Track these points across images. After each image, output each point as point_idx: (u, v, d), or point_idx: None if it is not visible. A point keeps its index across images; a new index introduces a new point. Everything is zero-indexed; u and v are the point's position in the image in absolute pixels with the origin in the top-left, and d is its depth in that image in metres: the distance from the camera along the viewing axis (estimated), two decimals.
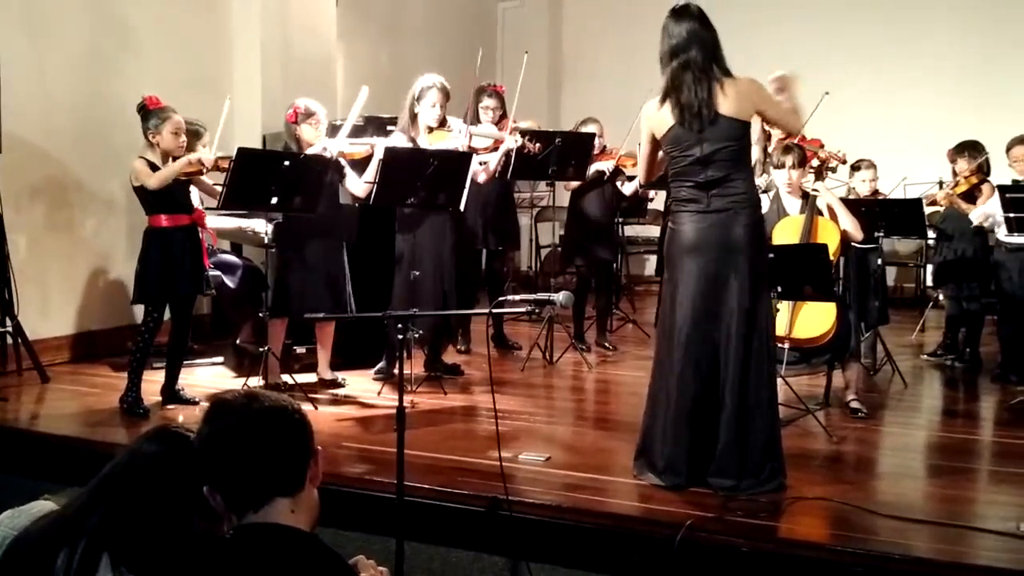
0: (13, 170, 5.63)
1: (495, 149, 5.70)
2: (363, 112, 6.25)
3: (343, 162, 5.33)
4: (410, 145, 5.40)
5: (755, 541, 3.25)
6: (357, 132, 5.96)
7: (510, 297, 3.46)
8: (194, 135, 5.40)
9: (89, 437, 4.44)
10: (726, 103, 3.63)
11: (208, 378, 5.67)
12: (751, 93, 3.69)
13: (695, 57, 3.64)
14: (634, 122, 4.06)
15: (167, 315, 4.99)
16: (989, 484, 4.10)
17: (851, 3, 9.36)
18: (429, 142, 5.46)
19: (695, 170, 3.69)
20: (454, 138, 5.50)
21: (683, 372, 3.71)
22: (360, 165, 5.40)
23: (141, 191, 4.76)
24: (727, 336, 3.66)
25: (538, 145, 5.85)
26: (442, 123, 5.53)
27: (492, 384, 4.48)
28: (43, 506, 2.04)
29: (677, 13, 3.72)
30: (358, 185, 5.36)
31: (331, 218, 5.33)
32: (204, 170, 4.84)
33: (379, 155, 5.25)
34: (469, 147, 5.49)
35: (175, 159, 4.82)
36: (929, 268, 7.62)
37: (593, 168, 6.37)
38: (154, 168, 4.74)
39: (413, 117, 5.50)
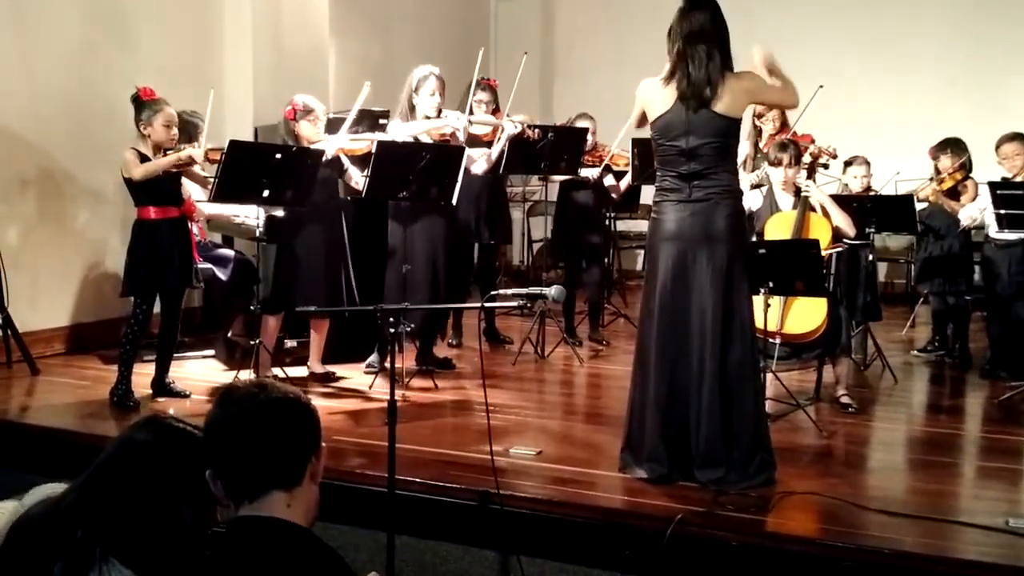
0: (3, 161, 5.62)
1: (494, 135, 5.69)
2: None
3: (344, 158, 5.32)
4: (408, 137, 5.40)
5: (744, 535, 3.26)
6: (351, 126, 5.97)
7: (502, 291, 3.46)
8: (194, 127, 5.38)
9: (79, 430, 4.44)
10: (722, 97, 3.64)
11: (199, 371, 5.66)
12: (749, 87, 3.71)
13: (710, 37, 3.65)
14: (626, 118, 4.06)
15: (157, 308, 4.98)
16: (977, 479, 4.12)
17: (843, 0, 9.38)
18: (427, 133, 5.46)
19: (679, 161, 3.72)
20: (450, 121, 5.48)
21: (657, 362, 3.74)
22: (362, 161, 5.39)
23: (130, 182, 4.75)
24: (704, 327, 3.68)
25: (537, 131, 5.88)
26: (439, 113, 5.53)
27: (484, 378, 4.48)
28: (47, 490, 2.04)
29: (695, 4, 3.72)
30: (362, 180, 5.36)
31: (332, 212, 5.34)
32: (195, 164, 4.81)
33: None
34: (468, 133, 5.48)
35: (166, 152, 4.80)
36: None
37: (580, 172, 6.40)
38: (144, 160, 4.71)
39: (411, 108, 5.50)
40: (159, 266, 4.80)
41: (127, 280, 4.89)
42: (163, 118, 4.75)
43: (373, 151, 5.21)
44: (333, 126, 5.47)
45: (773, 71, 3.85)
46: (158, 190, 4.78)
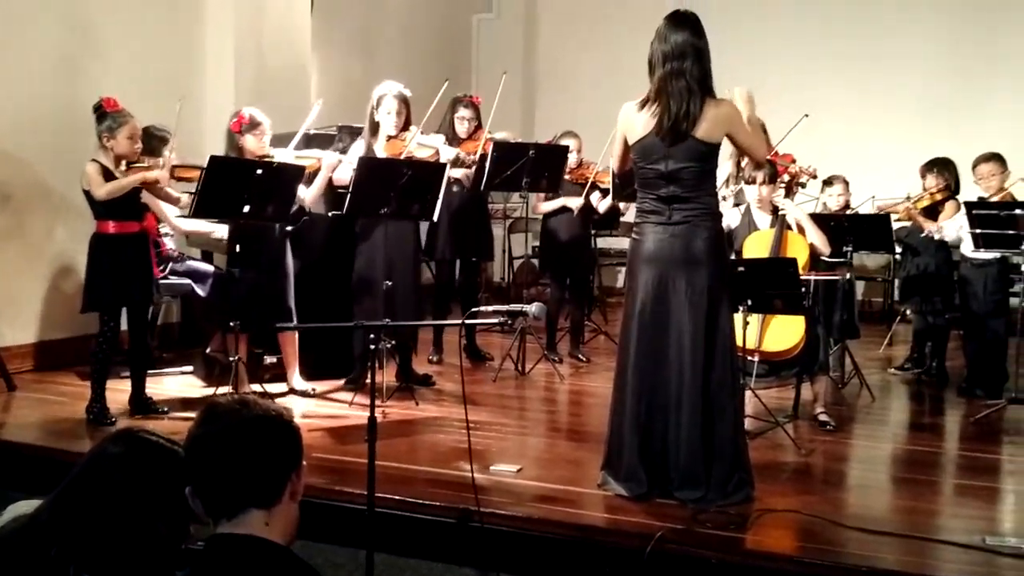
0: None
1: (437, 157, 5.64)
2: (338, 122, 6.26)
3: None
4: (368, 154, 5.40)
5: (724, 553, 3.27)
6: (329, 141, 5.96)
7: (483, 308, 3.46)
8: (161, 141, 5.32)
9: (55, 446, 4.39)
10: (702, 124, 3.64)
11: (177, 387, 5.63)
12: (728, 118, 3.70)
13: (690, 69, 3.64)
14: (609, 136, 4.08)
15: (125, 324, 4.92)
16: (955, 497, 4.14)
17: (826, 21, 9.47)
18: (385, 151, 5.46)
19: (658, 184, 3.74)
20: (406, 143, 5.47)
21: (635, 382, 3.75)
22: (307, 179, 5.37)
23: (91, 195, 4.67)
24: (683, 347, 3.69)
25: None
26: (404, 130, 5.52)
27: (464, 395, 4.47)
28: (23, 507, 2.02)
29: (676, 19, 3.71)
30: (307, 194, 5.34)
31: (274, 228, 5.27)
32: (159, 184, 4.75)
33: (326, 168, 5.28)
34: (409, 155, 5.46)
35: (129, 165, 4.72)
36: (897, 283, 7.70)
37: (560, 203, 6.43)
38: (107, 173, 4.63)
39: (375, 126, 5.51)
40: (121, 281, 4.71)
41: (86, 295, 4.79)
42: (128, 130, 4.67)
43: (322, 167, 5.23)
44: (280, 142, 5.42)
45: (751, 120, 3.85)
46: (119, 204, 4.68)
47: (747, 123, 3.82)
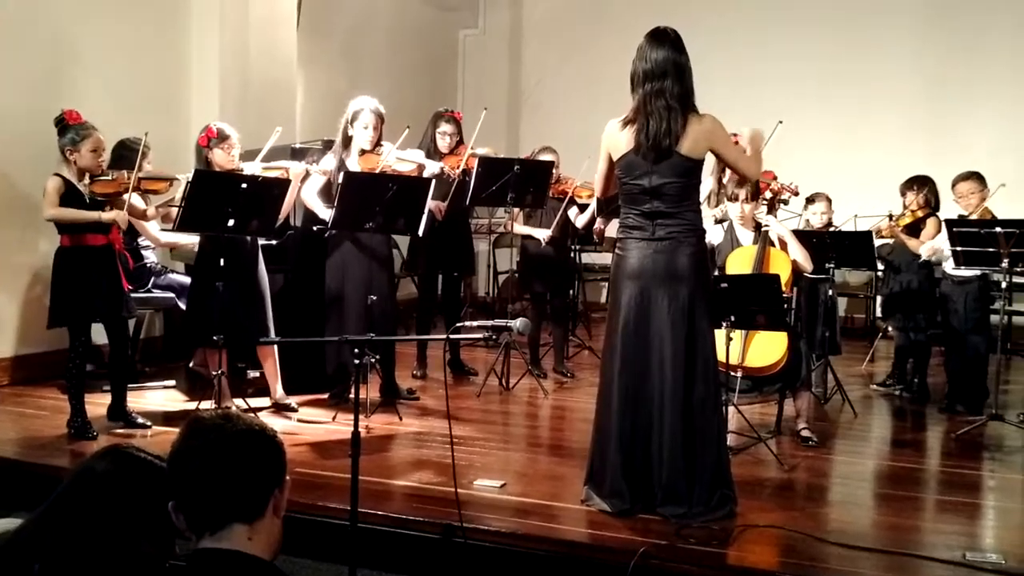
0: None
1: (418, 174, 5.63)
2: (324, 136, 6.27)
3: None
4: (340, 167, 5.40)
5: (706, 568, 3.28)
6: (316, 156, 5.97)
7: (467, 323, 3.47)
8: (133, 155, 5.27)
9: (36, 461, 4.36)
10: (684, 140, 3.67)
11: (160, 401, 5.60)
12: (710, 133, 3.72)
13: (670, 87, 3.67)
14: (591, 152, 4.10)
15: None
16: (936, 513, 4.16)
17: (806, 38, 9.56)
18: (359, 165, 5.46)
19: (642, 199, 3.76)
20: (382, 158, 5.48)
21: (619, 398, 3.76)
22: None
23: None
24: (665, 363, 3.70)
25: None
26: (376, 146, 5.54)
27: (448, 410, 4.47)
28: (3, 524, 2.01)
29: (656, 36, 3.73)
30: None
31: (249, 242, 5.25)
32: (119, 227, 4.69)
33: (294, 178, 5.24)
34: (392, 169, 5.47)
35: (93, 178, 4.66)
36: (879, 299, 7.75)
37: (528, 231, 6.48)
38: (69, 188, 4.57)
39: (347, 140, 5.52)
40: (85, 295, 4.64)
41: (50, 310, 4.70)
42: (91, 143, 4.59)
43: (291, 178, 5.17)
44: (250, 158, 5.40)
45: (755, 149, 3.91)
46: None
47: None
